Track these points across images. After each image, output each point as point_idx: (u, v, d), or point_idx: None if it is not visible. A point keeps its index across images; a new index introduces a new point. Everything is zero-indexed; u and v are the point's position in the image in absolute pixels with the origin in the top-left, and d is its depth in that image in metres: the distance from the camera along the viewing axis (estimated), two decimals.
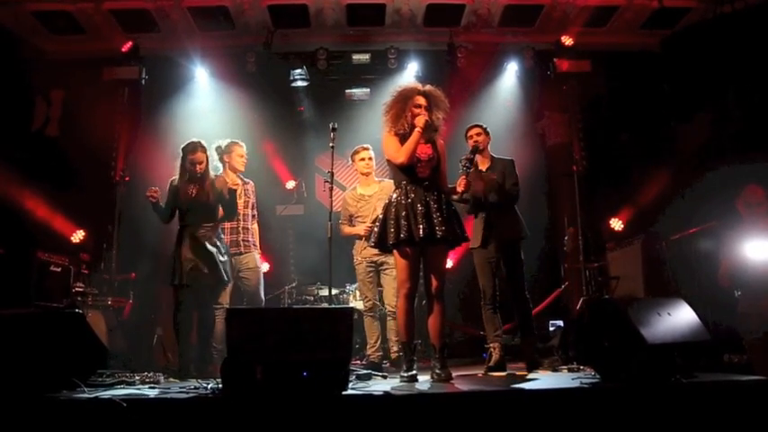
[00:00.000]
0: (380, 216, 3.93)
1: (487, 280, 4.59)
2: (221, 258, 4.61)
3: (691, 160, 6.35)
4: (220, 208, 4.73)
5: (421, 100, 3.89)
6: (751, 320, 3.88)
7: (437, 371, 3.74)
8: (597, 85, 7.26)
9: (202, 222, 4.59)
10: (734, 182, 4.42)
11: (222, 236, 4.82)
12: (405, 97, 3.91)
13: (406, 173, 3.86)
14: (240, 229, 5.14)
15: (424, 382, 3.69)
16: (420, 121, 3.79)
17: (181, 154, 4.63)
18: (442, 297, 3.86)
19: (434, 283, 3.84)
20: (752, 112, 6.08)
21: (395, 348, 5.02)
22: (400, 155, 3.81)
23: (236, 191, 4.63)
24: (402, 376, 3.70)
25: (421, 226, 3.68)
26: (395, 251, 3.84)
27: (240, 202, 5.06)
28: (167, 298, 5.01)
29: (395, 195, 3.86)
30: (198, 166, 4.57)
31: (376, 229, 3.93)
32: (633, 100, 7.10)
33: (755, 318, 3.84)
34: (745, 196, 4.14)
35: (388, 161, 3.96)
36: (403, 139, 3.85)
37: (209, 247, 4.54)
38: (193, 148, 4.59)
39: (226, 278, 4.66)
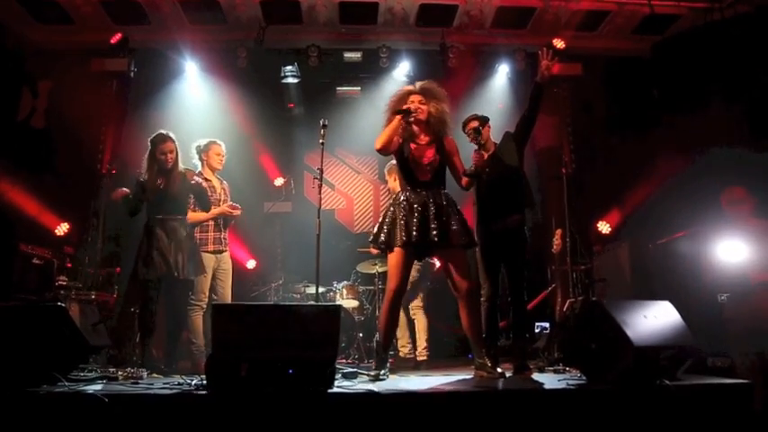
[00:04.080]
0: (381, 219, 3.94)
1: (487, 275, 4.42)
2: (192, 252, 4.58)
3: (678, 164, 6.40)
4: (191, 202, 4.78)
5: (414, 98, 3.89)
6: (736, 326, 3.89)
7: (488, 370, 3.76)
8: (587, 88, 7.30)
9: (172, 215, 4.56)
10: (720, 186, 4.46)
11: (191, 229, 4.78)
12: (398, 100, 3.91)
13: (405, 174, 3.89)
14: (222, 226, 5.10)
15: (408, 380, 3.68)
16: (398, 116, 3.80)
17: (149, 146, 4.61)
18: (470, 297, 3.84)
19: (457, 284, 3.84)
20: (738, 118, 6.14)
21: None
22: (376, 141, 3.81)
23: (201, 185, 4.66)
24: (369, 375, 3.67)
25: (409, 229, 3.69)
26: (389, 253, 3.85)
27: (216, 197, 5.09)
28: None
29: (399, 198, 3.87)
30: (168, 155, 4.55)
31: (375, 230, 3.93)
32: (623, 104, 7.14)
33: (740, 324, 3.86)
34: (729, 194, 4.17)
35: (395, 165, 3.99)
36: (402, 137, 3.87)
37: (179, 240, 4.51)
38: (163, 138, 4.58)
39: (196, 272, 4.64)
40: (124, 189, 4.53)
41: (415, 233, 3.69)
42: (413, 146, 3.90)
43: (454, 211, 3.85)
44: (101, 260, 6.55)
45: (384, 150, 3.84)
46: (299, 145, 8.11)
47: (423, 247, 3.80)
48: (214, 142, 5.21)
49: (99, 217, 6.70)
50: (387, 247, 3.84)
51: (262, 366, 2.91)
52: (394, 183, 5.95)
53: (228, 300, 5.06)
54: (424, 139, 3.93)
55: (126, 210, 4.62)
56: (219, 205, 5.06)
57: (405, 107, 3.83)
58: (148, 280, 4.42)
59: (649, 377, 3.11)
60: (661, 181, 6.60)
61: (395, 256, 3.80)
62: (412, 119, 3.83)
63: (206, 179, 5.14)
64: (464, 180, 3.97)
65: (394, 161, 6.03)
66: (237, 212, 5.06)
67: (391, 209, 3.86)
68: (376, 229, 3.91)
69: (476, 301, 3.94)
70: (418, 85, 3.98)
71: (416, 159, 3.86)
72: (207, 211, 4.93)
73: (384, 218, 3.88)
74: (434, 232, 3.70)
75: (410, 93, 3.93)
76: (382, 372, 3.73)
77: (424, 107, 3.87)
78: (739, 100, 6.08)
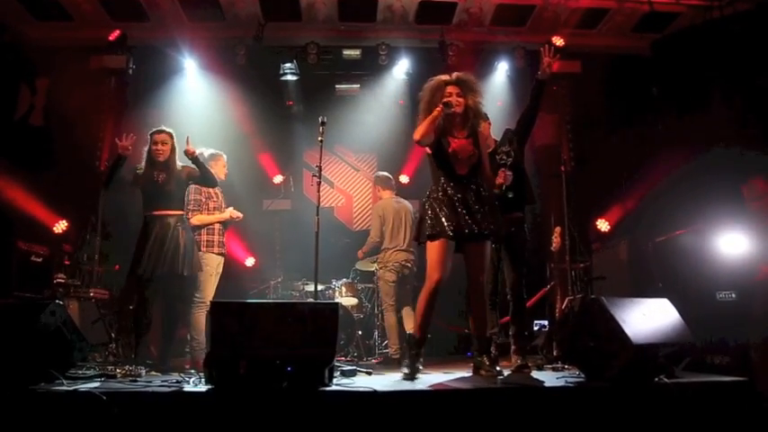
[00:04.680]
0: (418, 212, 3.94)
1: (486, 273, 4.40)
2: (189, 249, 4.60)
3: (677, 162, 6.39)
4: (197, 201, 4.84)
5: (451, 89, 3.79)
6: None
7: (488, 368, 3.71)
8: (587, 86, 7.29)
9: (168, 210, 4.58)
10: (721, 183, 4.46)
11: (190, 228, 4.81)
12: (434, 90, 3.82)
13: (444, 168, 3.80)
14: (223, 231, 5.21)
15: (409, 376, 3.68)
16: (440, 107, 3.70)
17: (148, 140, 4.67)
18: (485, 294, 3.81)
19: (478, 279, 3.78)
20: (738, 117, 6.14)
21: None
22: (416, 132, 3.72)
23: (194, 154, 4.64)
24: (405, 373, 3.60)
25: (459, 221, 3.63)
26: (427, 243, 3.75)
27: (219, 203, 5.19)
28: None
29: (436, 191, 3.81)
30: (160, 146, 4.59)
31: (417, 226, 3.90)
32: (622, 102, 7.14)
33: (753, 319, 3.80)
34: (751, 189, 4.15)
35: (428, 155, 3.89)
36: (436, 131, 3.77)
37: (175, 236, 4.52)
38: (159, 130, 4.66)
39: (193, 269, 4.65)
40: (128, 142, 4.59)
41: (461, 224, 3.64)
42: (452, 140, 3.81)
43: (491, 204, 3.80)
44: (99, 257, 6.54)
45: (424, 141, 3.74)
46: (298, 142, 8.11)
47: (461, 239, 3.73)
48: (220, 154, 5.33)
49: (97, 214, 6.69)
50: (431, 239, 3.73)
51: (260, 364, 2.91)
52: (378, 193, 6.18)
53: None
54: (461, 133, 3.84)
55: (108, 173, 4.71)
56: (222, 211, 5.16)
57: (445, 100, 3.74)
58: (145, 277, 4.42)
59: (648, 375, 3.12)
60: (660, 179, 6.59)
61: (438, 248, 3.69)
62: (450, 111, 3.73)
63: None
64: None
65: (382, 172, 6.33)
66: (239, 217, 5.21)
67: (429, 202, 3.79)
68: (418, 225, 3.87)
69: (486, 298, 3.89)
70: (454, 75, 3.87)
71: (457, 154, 3.78)
72: (214, 183, 4.96)
73: (424, 213, 3.80)
74: (477, 224, 3.65)
75: (446, 83, 3.82)
76: (416, 369, 3.64)
77: (461, 100, 3.78)
78: (740, 98, 6.07)
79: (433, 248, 3.72)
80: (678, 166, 6.33)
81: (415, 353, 3.73)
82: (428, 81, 3.91)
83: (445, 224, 3.66)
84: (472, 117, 3.83)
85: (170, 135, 4.67)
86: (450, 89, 3.79)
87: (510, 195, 3.88)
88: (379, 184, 6.37)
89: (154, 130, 4.69)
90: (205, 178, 4.77)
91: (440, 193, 3.77)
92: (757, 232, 3.93)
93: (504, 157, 3.88)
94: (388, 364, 5.75)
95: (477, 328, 3.81)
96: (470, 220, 3.66)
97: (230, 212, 5.14)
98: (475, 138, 3.86)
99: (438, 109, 3.70)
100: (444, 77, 3.86)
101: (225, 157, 5.38)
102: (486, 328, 3.86)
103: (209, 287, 4.97)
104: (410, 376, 3.58)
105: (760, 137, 5.49)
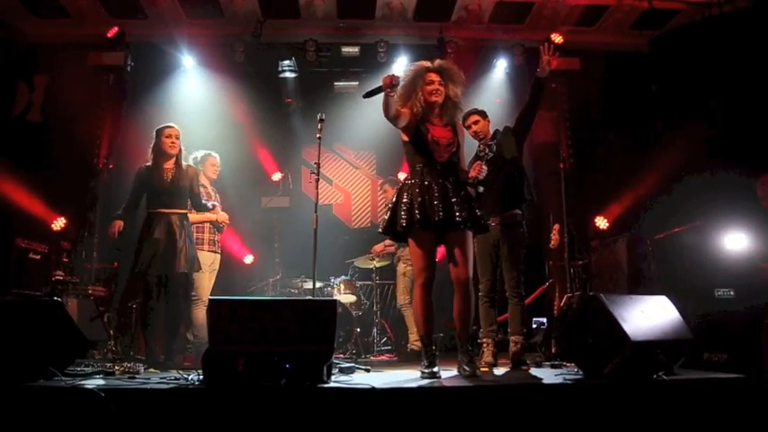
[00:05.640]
0: (392, 200, 3.76)
1: (485, 270, 4.39)
2: (189, 247, 4.61)
3: (676, 160, 6.40)
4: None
5: (433, 76, 3.72)
6: None
7: (464, 365, 3.58)
8: (586, 83, 7.29)
9: (172, 208, 4.59)
10: (718, 182, 4.45)
11: (190, 226, 4.84)
12: (415, 75, 3.73)
13: (423, 155, 3.69)
14: (216, 230, 5.34)
15: (405, 374, 3.68)
16: (385, 79, 3.46)
17: (154, 137, 4.66)
18: (468, 287, 3.69)
19: (459, 272, 3.66)
20: (735, 115, 6.14)
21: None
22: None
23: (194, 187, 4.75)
24: (423, 372, 3.51)
25: (438, 209, 3.52)
26: (409, 238, 3.65)
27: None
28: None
29: (412, 179, 3.70)
30: (174, 141, 4.61)
31: (386, 216, 3.77)
32: (621, 99, 7.14)
33: None
34: (764, 183, 4.15)
35: (405, 143, 3.77)
36: (416, 118, 3.69)
37: (176, 235, 4.53)
38: (167, 125, 4.67)
39: (192, 268, 4.68)
40: (114, 230, 4.60)
41: (435, 212, 3.52)
42: (431, 127, 3.73)
43: (468, 195, 3.72)
44: (98, 255, 6.54)
45: (389, 119, 3.60)
46: (296, 140, 8.10)
47: (441, 229, 3.62)
48: (210, 154, 5.45)
49: (96, 211, 6.68)
50: (407, 232, 3.63)
51: (259, 361, 2.91)
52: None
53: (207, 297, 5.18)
54: (440, 121, 3.77)
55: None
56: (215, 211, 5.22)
57: (430, 90, 3.67)
58: (147, 275, 4.42)
59: (646, 372, 3.11)
60: (659, 176, 6.60)
61: (418, 240, 3.60)
62: (393, 93, 3.52)
63: (203, 186, 5.30)
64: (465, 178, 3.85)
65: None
66: (226, 219, 5.28)
67: (406, 190, 3.65)
68: (389, 216, 3.71)
69: (472, 292, 3.79)
70: (437, 62, 3.79)
71: (437, 140, 3.68)
72: (198, 210, 4.97)
73: (399, 202, 3.66)
74: (458, 214, 3.54)
75: (428, 69, 3.74)
76: (435, 368, 3.50)
77: (441, 88, 3.71)
78: (738, 95, 6.07)
79: (413, 242, 3.64)
80: (676, 164, 6.33)
81: (432, 352, 3.60)
82: (410, 66, 3.83)
83: (417, 213, 3.54)
84: (449, 108, 3.78)
85: (178, 130, 4.70)
86: (431, 76, 3.73)
87: (480, 190, 3.82)
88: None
89: (163, 125, 4.68)
90: (194, 199, 4.81)
91: (416, 180, 3.65)
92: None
93: (487, 151, 3.82)
94: (409, 359, 5.64)
95: (461, 323, 3.67)
96: (446, 208, 3.54)
97: (221, 216, 5.20)
98: (453, 127, 3.81)
99: (385, 93, 3.48)
100: (426, 63, 3.79)
101: (217, 157, 5.47)
102: (471, 323, 3.71)
103: (204, 284, 5.09)
104: (435, 374, 3.47)
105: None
